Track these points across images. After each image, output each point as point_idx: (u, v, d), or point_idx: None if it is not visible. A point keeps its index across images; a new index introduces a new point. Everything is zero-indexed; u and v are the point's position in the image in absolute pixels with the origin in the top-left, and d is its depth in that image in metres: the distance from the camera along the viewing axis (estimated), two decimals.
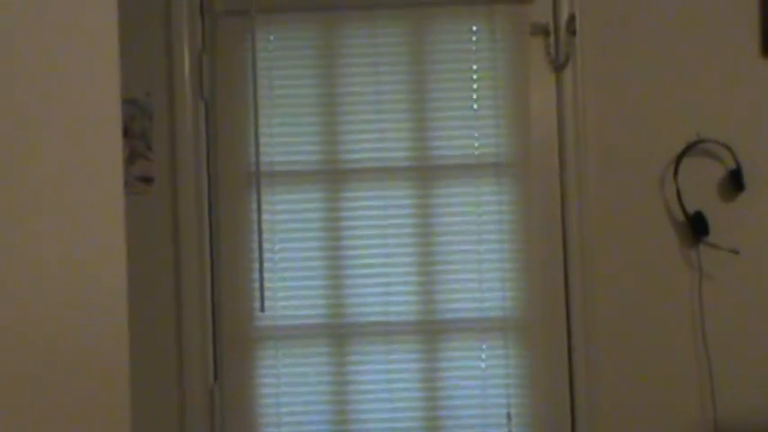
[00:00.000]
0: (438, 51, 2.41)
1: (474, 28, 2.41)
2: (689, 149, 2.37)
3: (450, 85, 2.40)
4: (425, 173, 2.42)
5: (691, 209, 2.37)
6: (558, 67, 2.37)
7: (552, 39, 2.39)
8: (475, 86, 2.40)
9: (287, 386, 2.38)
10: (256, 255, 2.38)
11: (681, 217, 2.39)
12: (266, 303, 2.39)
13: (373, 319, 2.42)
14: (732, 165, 2.36)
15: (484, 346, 2.37)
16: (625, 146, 2.42)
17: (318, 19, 2.44)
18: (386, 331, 2.39)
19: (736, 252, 2.36)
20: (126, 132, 2.35)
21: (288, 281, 2.42)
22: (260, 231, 2.38)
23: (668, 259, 2.41)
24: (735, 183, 2.34)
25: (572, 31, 2.35)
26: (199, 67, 2.40)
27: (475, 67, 2.41)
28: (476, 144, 2.40)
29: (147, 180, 2.39)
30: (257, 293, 2.38)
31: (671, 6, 2.42)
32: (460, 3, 2.41)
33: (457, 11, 2.41)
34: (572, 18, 2.37)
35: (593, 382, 2.36)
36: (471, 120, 2.39)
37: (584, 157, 2.38)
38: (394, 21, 2.42)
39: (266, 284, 2.38)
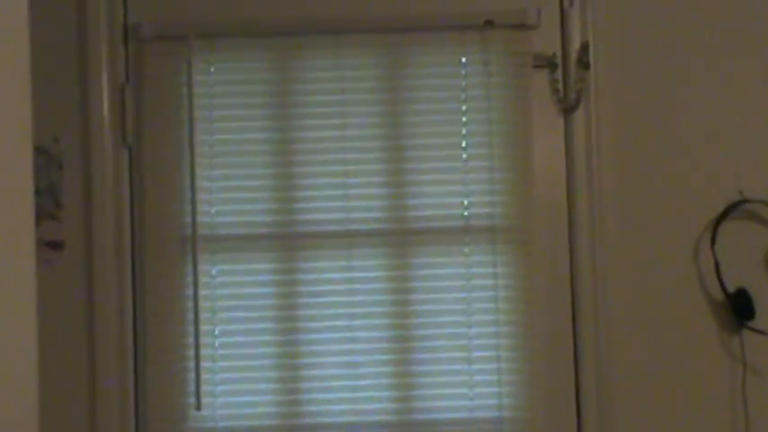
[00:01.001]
0: (419, 87, 1.99)
1: (464, 59, 1.99)
2: (730, 211, 1.95)
3: (434, 129, 1.99)
4: (402, 238, 1.99)
5: (732, 285, 1.94)
6: (568, 107, 1.97)
7: (560, 73, 1.98)
8: (464, 131, 1.98)
9: None
10: (191, 339, 1.94)
11: (720, 296, 1.96)
12: (203, 400, 1.97)
13: (339, 419, 2.03)
14: None
15: None
16: (651, 207, 2.00)
17: (270, 45, 2.00)
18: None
19: None
20: None
21: (230, 371, 1.99)
22: (196, 309, 1.95)
23: (704, 348, 1.98)
24: None
25: (585, 64, 1.95)
26: (121, 104, 1.97)
27: (465, 107, 1.98)
28: (465, 202, 1.97)
29: (56, 245, 1.97)
30: (192, 387, 1.99)
31: (707, 37, 2.01)
32: (448, 27, 1.99)
33: (443, 38, 1.99)
34: (585, 47, 1.96)
35: None
36: (460, 172, 1.97)
37: (600, 220, 1.97)
38: (364, 49, 2.00)
39: (203, 376, 1.93)
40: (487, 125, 1.97)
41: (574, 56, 1.97)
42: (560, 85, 1.98)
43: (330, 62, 1.99)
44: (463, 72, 1.98)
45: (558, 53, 1.98)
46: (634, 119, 1.99)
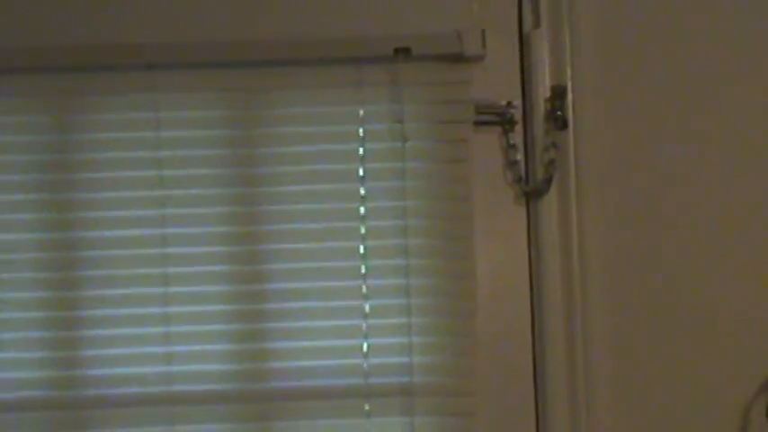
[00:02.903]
0: (286, 158, 1.25)
1: (361, 112, 1.26)
2: None
3: (311, 227, 1.25)
4: (258, 404, 1.23)
5: None
6: (533, 190, 1.25)
7: (520, 135, 1.26)
8: (363, 229, 1.25)
9: None
10: None
11: None
12: None
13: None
14: None
15: None
16: (670, 359, 1.28)
17: (51, 88, 1.27)
18: None
19: None
20: None
21: None
22: None
23: None
24: None
25: (559, 121, 1.23)
26: None
27: (363, 190, 1.25)
28: (365, 347, 1.23)
29: None
30: None
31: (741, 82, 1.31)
32: (333, 61, 1.25)
33: (324, 76, 1.25)
34: (559, 93, 1.24)
35: None
36: (356, 296, 1.23)
37: (586, 378, 1.24)
38: (193, 94, 1.26)
39: None
40: (401, 218, 1.24)
41: (542, 107, 1.25)
42: (519, 155, 1.26)
43: (141, 114, 1.25)
44: (361, 132, 1.25)
45: (518, 102, 1.27)
46: (633, 210, 1.27)
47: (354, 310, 1.23)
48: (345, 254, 1.23)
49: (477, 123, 1.26)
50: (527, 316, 1.26)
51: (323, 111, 1.25)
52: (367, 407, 1.23)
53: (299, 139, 1.26)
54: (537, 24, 1.27)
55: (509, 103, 1.27)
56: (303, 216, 1.24)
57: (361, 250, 1.24)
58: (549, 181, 1.25)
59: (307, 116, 1.25)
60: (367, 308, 1.24)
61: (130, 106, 1.25)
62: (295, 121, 1.25)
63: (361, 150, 1.26)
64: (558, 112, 1.25)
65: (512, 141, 1.26)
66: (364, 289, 1.24)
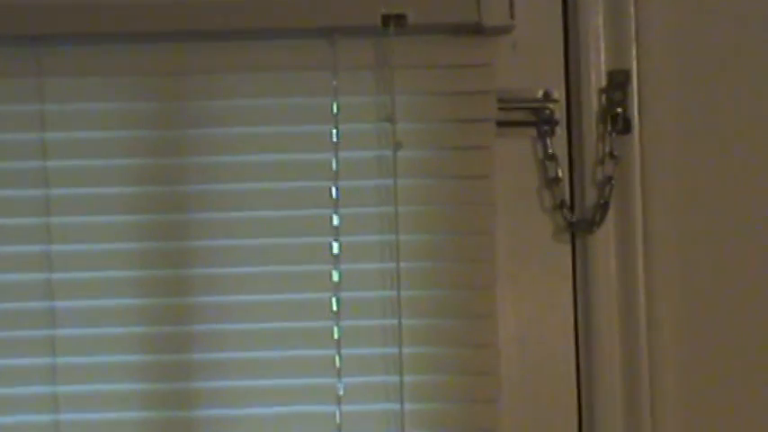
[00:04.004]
0: (231, 171, 0.88)
1: (335, 106, 0.88)
2: None
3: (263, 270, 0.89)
4: None
5: None
6: (582, 221, 0.88)
7: (565, 140, 0.90)
8: (336, 276, 0.87)
9: None
10: None
11: None
12: None
13: None
14: None
15: None
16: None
17: None
18: None
19: None
20: None
21: None
22: None
23: None
24: None
25: (619, 122, 0.87)
26: None
27: (337, 218, 0.88)
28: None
29: None
30: None
31: None
32: (299, 34, 0.87)
33: (290, 54, 0.88)
34: (619, 82, 0.88)
35: None
36: (327, 371, 0.87)
37: None
38: (97, 77, 0.89)
39: None
40: (389, 261, 0.86)
41: (594, 102, 0.89)
42: (562, 171, 0.89)
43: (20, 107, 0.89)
44: (334, 136, 0.87)
45: (560, 95, 0.90)
46: (721, 247, 0.90)
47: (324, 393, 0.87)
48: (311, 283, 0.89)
49: (502, 124, 0.89)
50: (571, 396, 0.90)
51: (282, 104, 0.88)
52: None
53: (248, 146, 0.88)
54: None
55: (547, 96, 0.90)
56: (249, 232, 0.88)
57: (333, 305, 0.88)
58: (604, 208, 0.90)
59: (259, 112, 0.89)
60: (340, 389, 0.88)
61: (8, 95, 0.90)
62: (243, 118, 0.88)
63: (333, 163, 0.91)
64: (618, 109, 0.89)
65: (551, 150, 0.90)
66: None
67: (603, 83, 0.90)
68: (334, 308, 0.88)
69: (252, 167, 0.89)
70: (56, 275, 0.88)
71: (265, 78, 0.89)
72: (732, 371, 0.92)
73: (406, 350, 0.87)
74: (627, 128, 0.90)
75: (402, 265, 0.87)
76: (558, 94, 0.91)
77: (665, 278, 0.90)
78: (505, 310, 0.90)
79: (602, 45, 0.90)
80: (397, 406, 0.87)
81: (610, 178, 0.90)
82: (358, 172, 0.89)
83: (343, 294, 0.88)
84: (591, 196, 0.90)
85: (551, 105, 0.91)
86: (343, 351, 0.88)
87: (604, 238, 0.90)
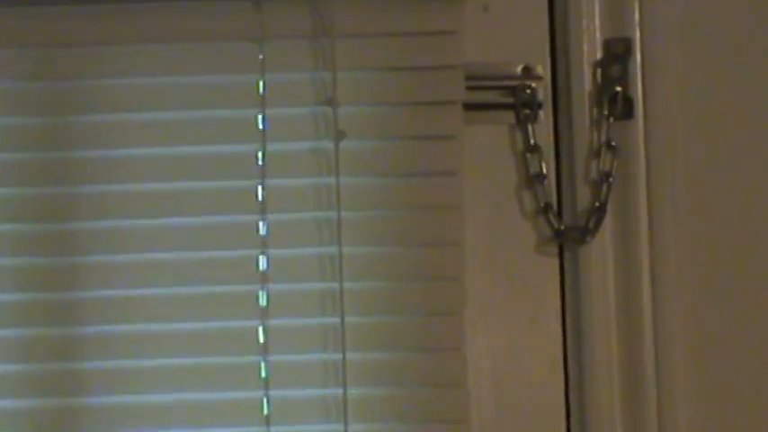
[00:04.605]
0: (125, 161, 0.71)
1: (261, 84, 0.70)
2: None
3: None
4: None
5: None
6: (573, 229, 0.71)
7: (551, 127, 0.73)
8: (262, 293, 0.70)
9: None
10: None
11: None
12: None
13: None
14: None
15: None
16: None
17: None
18: None
19: None
20: None
21: None
22: None
23: None
24: None
25: (619, 104, 0.70)
26: None
27: (263, 228, 0.70)
28: None
29: None
30: None
31: None
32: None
33: (203, 17, 0.70)
34: (618, 54, 0.71)
35: None
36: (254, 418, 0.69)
37: None
38: None
39: None
40: (333, 281, 0.69)
41: (588, 79, 0.72)
42: (547, 165, 0.72)
43: None
44: (260, 122, 0.70)
45: (544, 70, 0.73)
46: (742, 261, 0.73)
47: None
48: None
49: (472, 107, 0.72)
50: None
51: (195, 83, 0.71)
52: None
53: (151, 136, 0.71)
54: None
55: (528, 71, 0.73)
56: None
57: (259, 332, 0.70)
58: (600, 212, 0.73)
59: (166, 93, 0.71)
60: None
61: None
62: (145, 101, 0.71)
63: (260, 156, 0.73)
64: (617, 88, 0.73)
65: (533, 140, 0.73)
66: (264, 402, 0.74)
67: (599, 55, 0.74)
68: (261, 339, 0.73)
69: (156, 163, 0.72)
70: None
71: (173, 50, 0.72)
72: (757, 416, 0.77)
73: (352, 391, 0.70)
74: (628, 111, 0.73)
75: (346, 285, 0.70)
76: (542, 69, 0.74)
77: (677, 301, 0.73)
78: (477, 342, 0.73)
79: (597, 7, 0.73)
80: None
81: (607, 175, 0.73)
82: (290, 168, 0.72)
83: (273, 323, 0.71)
84: (583, 198, 0.73)
85: (533, 83, 0.74)
86: (273, 392, 0.70)
87: (600, 251, 0.73)
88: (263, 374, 0.71)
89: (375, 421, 0.72)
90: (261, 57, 0.72)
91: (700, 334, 0.73)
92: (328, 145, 0.71)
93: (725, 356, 0.74)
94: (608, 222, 0.73)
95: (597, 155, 0.73)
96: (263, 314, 0.72)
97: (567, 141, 0.74)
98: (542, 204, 0.74)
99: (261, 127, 0.72)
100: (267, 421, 0.71)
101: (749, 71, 0.76)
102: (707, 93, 0.75)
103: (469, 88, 0.73)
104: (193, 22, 0.73)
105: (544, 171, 0.74)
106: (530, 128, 0.74)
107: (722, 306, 0.74)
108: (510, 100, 0.74)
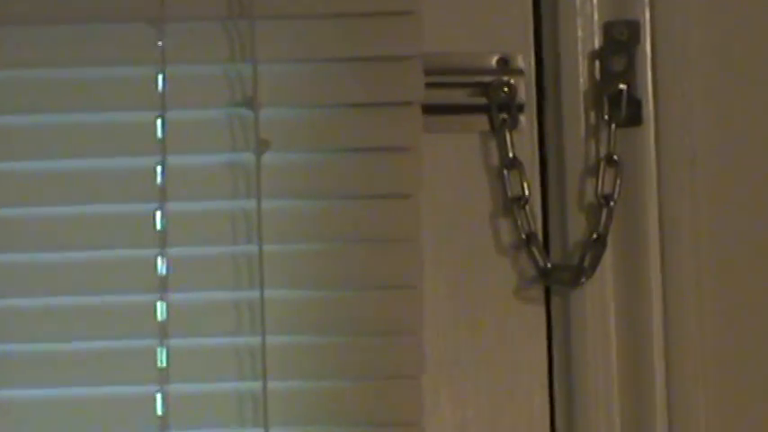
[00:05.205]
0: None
1: (161, 80, 0.54)
2: None
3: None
4: None
5: None
6: (561, 268, 0.56)
7: (533, 136, 0.57)
8: (164, 365, 0.54)
9: None
10: None
11: None
12: None
13: None
14: None
15: None
16: None
17: None
18: None
19: None
20: None
21: None
22: None
23: None
24: None
25: (621, 107, 0.55)
26: None
27: (161, 265, 0.54)
28: None
29: None
30: None
31: None
32: None
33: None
34: (622, 42, 0.55)
35: None
36: None
37: None
38: None
39: None
40: (257, 335, 0.53)
41: (583, 74, 0.57)
42: (529, 186, 0.56)
43: None
44: (158, 129, 0.54)
45: (525, 62, 0.57)
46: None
47: None
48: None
49: (434, 110, 0.57)
50: None
51: (76, 78, 0.55)
52: None
53: (20, 143, 0.56)
54: None
55: (505, 64, 0.58)
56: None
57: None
58: (598, 246, 0.57)
59: (49, 83, 0.56)
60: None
61: None
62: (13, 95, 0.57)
63: (158, 173, 0.57)
64: (621, 86, 0.57)
65: (512, 152, 0.57)
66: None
67: (597, 42, 0.58)
68: (159, 411, 0.58)
69: (25, 178, 0.57)
70: None
71: (48, 36, 0.57)
72: None
73: None
74: (635, 116, 0.58)
75: (270, 340, 0.54)
76: (523, 60, 0.59)
77: (696, 364, 0.57)
78: (439, 414, 0.57)
79: None
80: None
81: (608, 198, 0.57)
82: (197, 187, 0.56)
83: (173, 388, 0.55)
84: (577, 227, 0.58)
85: (512, 80, 0.58)
86: None
87: (598, 296, 0.57)
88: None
89: None
90: (160, 44, 0.56)
91: (725, 407, 0.59)
92: (247, 158, 0.55)
93: None
94: (608, 259, 0.58)
95: (595, 172, 0.58)
96: (163, 378, 0.55)
97: (556, 154, 0.59)
98: (524, 235, 0.58)
99: (159, 135, 0.57)
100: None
101: None
102: (735, 92, 0.60)
103: (430, 85, 0.57)
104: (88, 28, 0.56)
105: (526, 193, 0.58)
106: (508, 137, 0.58)
107: (755, 373, 0.60)
108: (482, 101, 0.58)
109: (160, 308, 0.57)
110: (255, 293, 0.56)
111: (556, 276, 0.58)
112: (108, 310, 0.57)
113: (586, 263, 0.58)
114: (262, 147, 0.56)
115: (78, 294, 0.57)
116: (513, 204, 0.58)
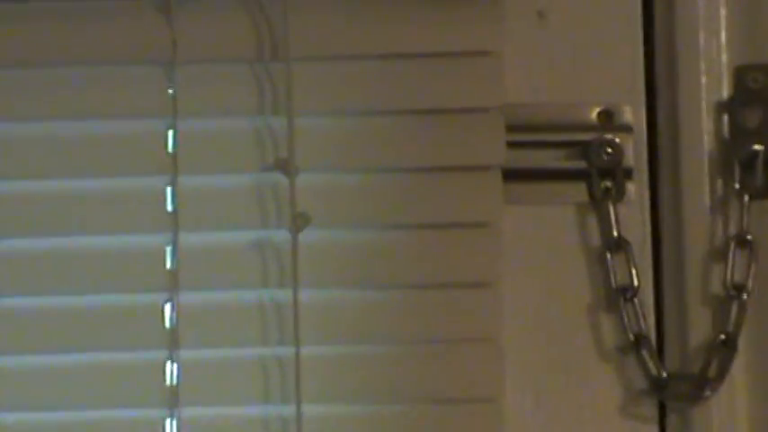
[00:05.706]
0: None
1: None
2: None
3: None
4: None
5: None
6: (681, 378, 0.45)
7: (642, 218, 0.46)
8: None
9: None
10: None
11: None
12: None
13: None
14: None
15: None
16: None
17: None
18: None
19: None
20: None
21: None
22: None
23: None
24: None
25: (760, 174, 0.43)
26: None
27: (170, 374, 0.44)
28: None
29: None
30: None
31: None
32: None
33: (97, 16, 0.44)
34: (761, 90, 0.44)
35: None
36: None
37: None
38: None
39: None
40: None
41: (711, 132, 0.45)
42: (636, 272, 0.44)
43: None
44: (168, 196, 0.44)
45: (635, 116, 0.46)
46: None
47: None
48: None
49: (517, 176, 0.45)
50: None
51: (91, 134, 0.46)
52: None
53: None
54: None
55: (609, 117, 0.46)
56: None
57: None
58: (728, 350, 0.44)
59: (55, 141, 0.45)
60: None
61: None
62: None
63: (168, 251, 0.46)
64: (757, 147, 0.45)
65: (617, 231, 0.45)
66: None
67: (726, 92, 0.47)
68: None
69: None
70: None
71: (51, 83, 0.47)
72: None
73: None
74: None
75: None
76: (632, 114, 0.47)
77: None
78: None
79: (724, 16, 0.48)
80: None
81: (739, 288, 0.46)
82: (216, 276, 0.44)
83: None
84: (700, 326, 0.47)
85: (617, 138, 0.47)
86: None
87: (726, 413, 0.45)
88: None
89: None
90: (171, 91, 0.47)
91: None
92: (281, 236, 0.46)
93: None
94: (739, 366, 0.46)
95: (723, 256, 0.47)
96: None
97: (673, 234, 0.47)
98: (632, 336, 0.46)
99: (170, 208, 0.47)
100: None
101: None
102: None
103: (513, 145, 0.46)
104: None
105: (635, 282, 0.46)
106: (612, 210, 0.47)
107: None
108: (579, 164, 0.47)
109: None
110: (290, 410, 0.47)
111: (673, 389, 0.47)
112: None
113: (712, 371, 0.47)
114: (299, 222, 0.47)
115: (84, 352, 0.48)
116: (618, 296, 0.47)
